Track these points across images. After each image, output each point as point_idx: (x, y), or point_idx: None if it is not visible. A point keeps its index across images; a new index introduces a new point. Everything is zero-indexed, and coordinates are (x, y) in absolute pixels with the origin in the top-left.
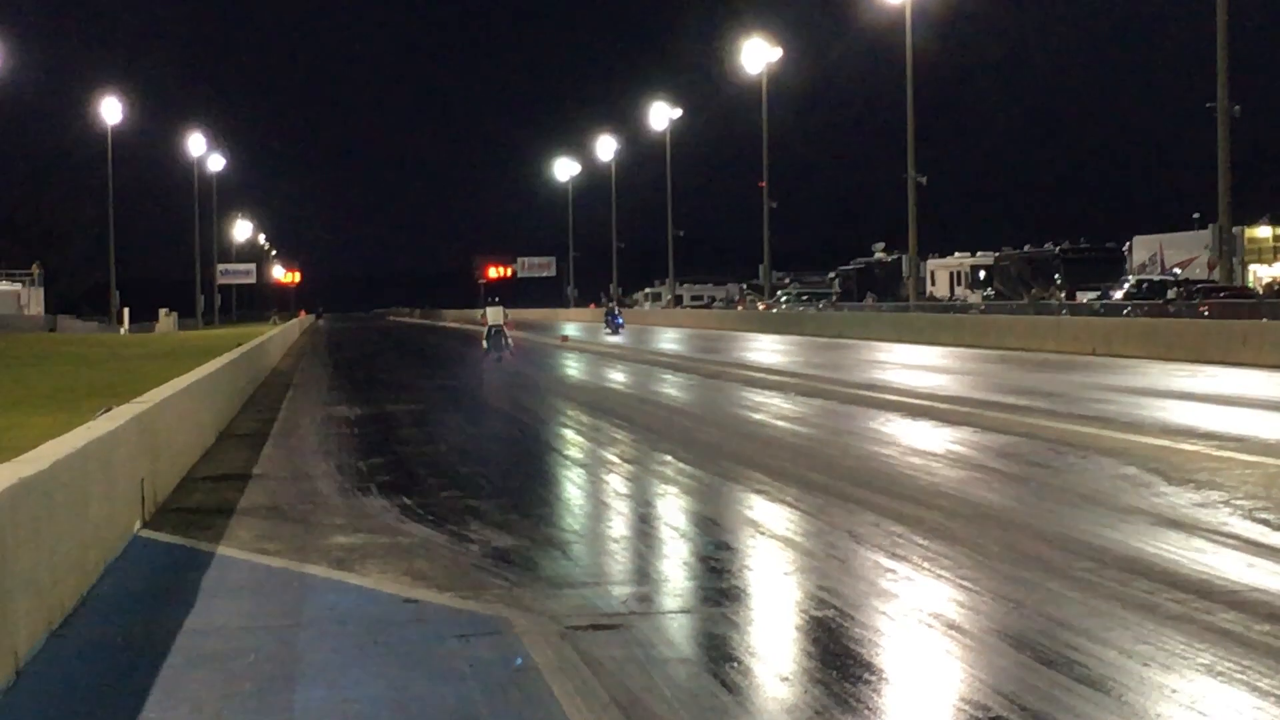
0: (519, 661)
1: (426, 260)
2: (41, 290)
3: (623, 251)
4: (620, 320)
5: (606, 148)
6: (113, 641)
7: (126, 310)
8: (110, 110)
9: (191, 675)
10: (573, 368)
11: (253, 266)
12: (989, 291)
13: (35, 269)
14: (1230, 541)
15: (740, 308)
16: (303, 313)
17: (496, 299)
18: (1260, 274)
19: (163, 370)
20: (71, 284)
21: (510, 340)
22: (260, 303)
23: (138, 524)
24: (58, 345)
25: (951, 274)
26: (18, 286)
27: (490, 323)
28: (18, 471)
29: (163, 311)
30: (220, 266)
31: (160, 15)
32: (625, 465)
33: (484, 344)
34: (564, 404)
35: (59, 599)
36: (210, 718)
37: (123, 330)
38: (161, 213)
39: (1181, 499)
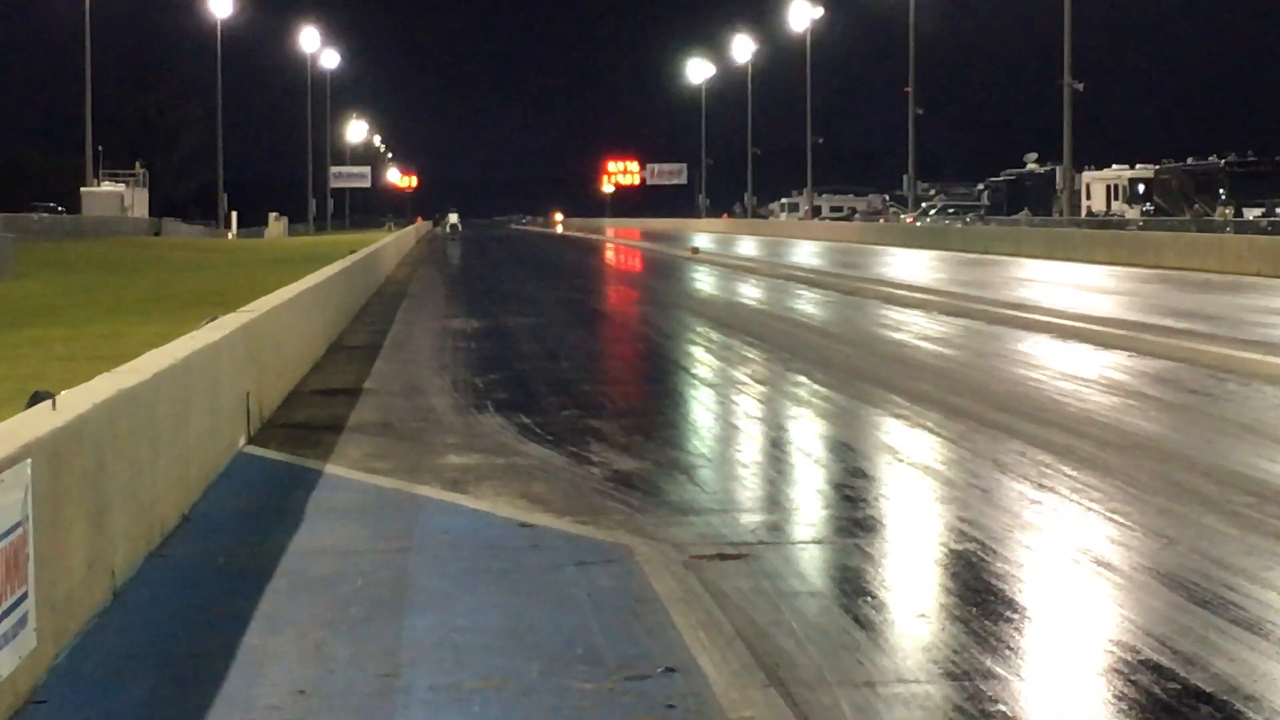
0: None
1: (550, 165)
2: (146, 192)
3: (759, 159)
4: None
5: (743, 48)
6: (214, 563)
7: (235, 214)
8: (219, 3)
9: (296, 600)
10: (702, 281)
11: (367, 170)
12: (1148, 206)
13: (139, 169)
14: None
15: (883, 220)
16: (419, 219)
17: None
18: None
19: (271, 277)
20: (177, 186)
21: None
22: (375, 208)
23: (242, 439)
24: (163, 250)
25: (1108, 187)
26: (121, 187)
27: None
28: (118, 382)
29: (272, 216)
30: (333, 169)
31: None
32: (756, 386)
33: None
34: (693, 320)
35: (159, 517)
36: (315, 645)
37: (230, 235)
38: (272, 112)
39: None
